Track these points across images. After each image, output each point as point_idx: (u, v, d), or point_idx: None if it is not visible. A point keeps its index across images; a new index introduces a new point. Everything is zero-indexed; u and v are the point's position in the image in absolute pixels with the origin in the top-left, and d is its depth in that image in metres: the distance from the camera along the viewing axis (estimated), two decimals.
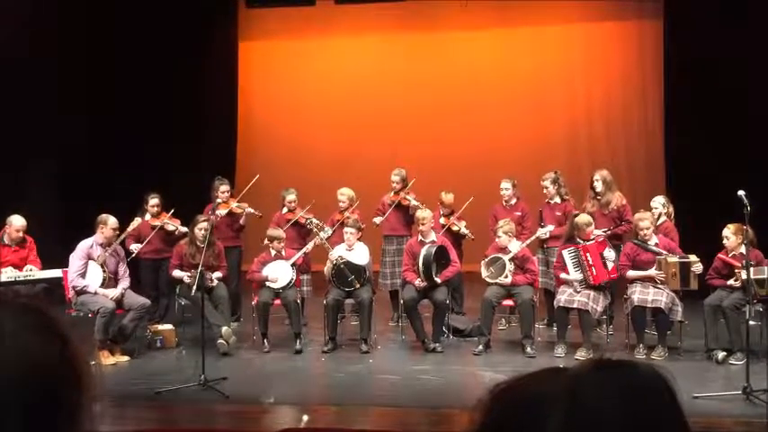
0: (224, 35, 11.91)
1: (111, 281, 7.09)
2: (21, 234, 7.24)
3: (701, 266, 6.79)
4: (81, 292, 6.92)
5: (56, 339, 0.82)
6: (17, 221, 7.24)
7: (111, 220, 7.11)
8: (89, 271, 7.01)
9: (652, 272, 6.86)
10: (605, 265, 7.01)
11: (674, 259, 6.79)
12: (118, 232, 7.23)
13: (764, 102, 9.27)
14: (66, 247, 7.18)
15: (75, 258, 6.99)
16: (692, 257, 6.86)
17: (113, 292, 6.97)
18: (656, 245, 6.99)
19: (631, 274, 7.01)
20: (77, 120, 9.71)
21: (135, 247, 7.92)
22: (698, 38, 9.77)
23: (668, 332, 6.97)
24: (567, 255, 7.11)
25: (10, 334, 0.78)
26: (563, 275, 7.10)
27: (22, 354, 0.78)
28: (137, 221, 7.69)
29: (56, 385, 0.79)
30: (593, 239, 7.16)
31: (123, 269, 7.27)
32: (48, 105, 9.35)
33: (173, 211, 8.21)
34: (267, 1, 11.72)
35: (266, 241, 7.58)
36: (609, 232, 7.55)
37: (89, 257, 7.02)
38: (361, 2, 11.50)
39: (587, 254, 7.01)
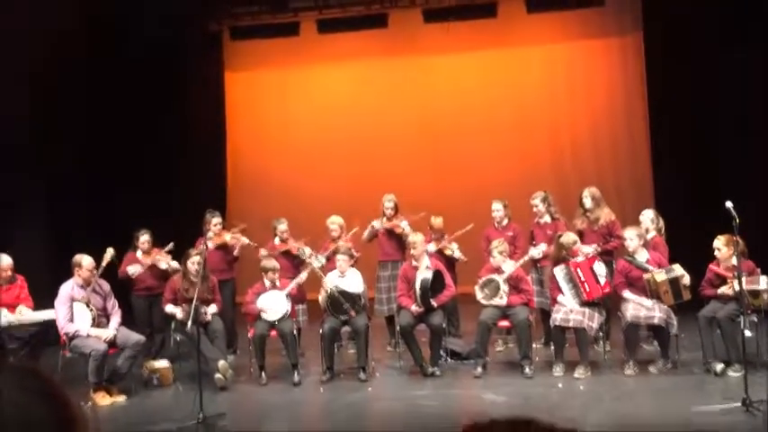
0: (210, 68, 11.99)
1: (101, 317, 6.99)
2: (9, 273, 7.15)
3: (688, 276, 6.85)
4: (74, 336, 6.82)
5: (54, 402, 0.83)
6: (3, 261, 7.14)
7: (86, 261, 7.00)
8: (77, 313, 6.90)
9: (645, 301, 6.89)
10: (597, 281, 7.02)
11: (662, 277, 6.81)
12: (95, 271, 7.08)
13: (751, 112, 9.36)
14: (60, 283, 7.06)
15: (60, 304, 6.88)
16: (677, 268, 6.88)
17: (106, 333, 6.86)
18: (648, 261, 7.01)
19: (627, 295, 7.02)
20: (67, 153, 9.69)
21: (133, 270, 7.88)
22: (679, 50, 9.86)
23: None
24: (560, 272, 7.12)
25: (9, 398, 0.79)
26: (560, 298, 7.11)
27: (22, 418, 0.78)
28: (110, 252, 7.36)
29: None
30: (583, 256, 7.19)
31: (112, 304, 7.15)
32: (39, 138, 9.32)
33: (170, 246, 8.07)
34: (252, 33, 11.83)
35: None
36: (599, 249, 7.57)
37: (72, 300, 6.91)
38: (343, 30, 11.64)
39: (578, 270, 7.03)
